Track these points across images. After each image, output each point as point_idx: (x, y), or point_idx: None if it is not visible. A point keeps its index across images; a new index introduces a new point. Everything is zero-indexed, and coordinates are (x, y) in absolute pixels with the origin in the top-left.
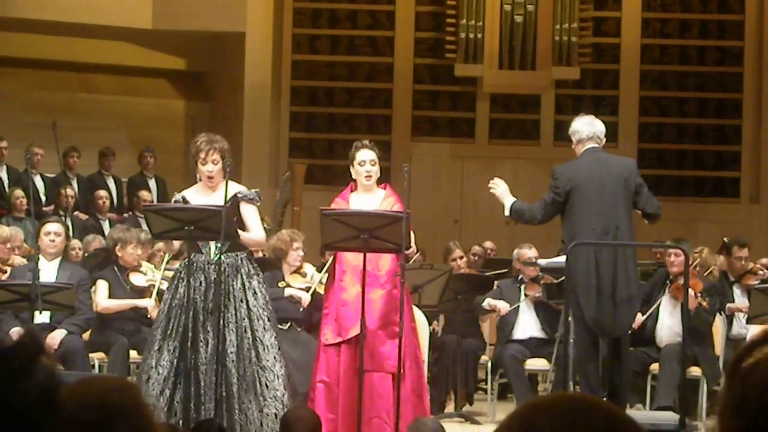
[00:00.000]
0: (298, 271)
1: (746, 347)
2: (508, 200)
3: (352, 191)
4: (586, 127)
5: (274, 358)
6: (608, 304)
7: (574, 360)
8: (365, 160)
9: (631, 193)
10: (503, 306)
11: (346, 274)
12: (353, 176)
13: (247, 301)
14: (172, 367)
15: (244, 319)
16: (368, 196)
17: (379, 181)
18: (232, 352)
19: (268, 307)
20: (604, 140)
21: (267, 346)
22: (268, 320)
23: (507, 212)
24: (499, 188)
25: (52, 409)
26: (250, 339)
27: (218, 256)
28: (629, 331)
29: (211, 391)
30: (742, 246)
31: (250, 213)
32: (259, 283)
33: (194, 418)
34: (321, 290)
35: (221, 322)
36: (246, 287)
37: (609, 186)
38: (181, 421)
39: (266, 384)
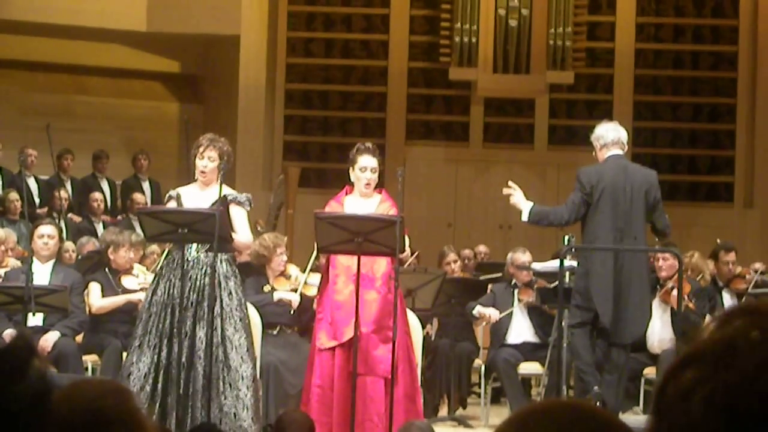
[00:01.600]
0: (282, 274)
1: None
2: (525, 205)
3: (347, 194)
4: (611, 133)
5: (242, 358)
6: (624, 310)
7: (587, 364)
8: (367, 167)
9: (650, 205)
10: (493, 314)
11: (340, 277)
12: (351, 179)
13: (222, 301)
14: (152, 364)
15: (216, 317)
16: (364, 200)
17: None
18: (200, 350)
19: (241, 308)
20: (627, 147)
21: (235, 347)
22: (240, 321)
23: (525, 217)
24: (516, 194)
25: (45, 413)
26: (219, 338)
27: (198, 255)
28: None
29: (175, 388)
30: (729, 250)
31: (238, 216)
32: (235, 284)
33: (169, 412)
34: (307, 291)
35: (195, 320)
36: (221, 287)
37: (631, 195)
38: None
39: (230, 383)
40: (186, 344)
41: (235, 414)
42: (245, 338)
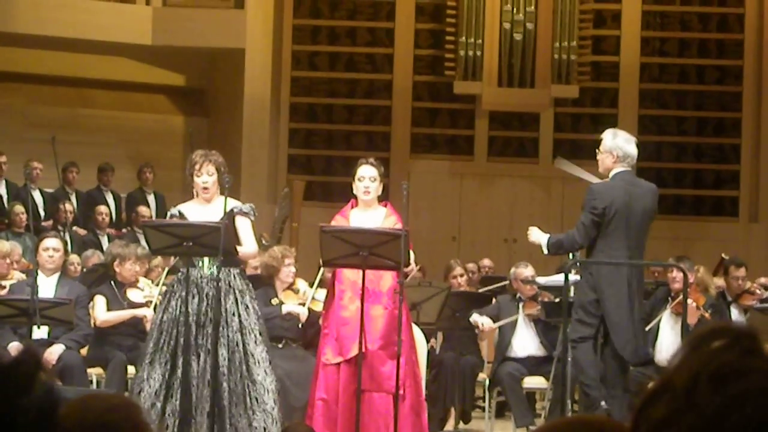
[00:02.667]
0: (290, 287)
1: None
2: (543, 239)
3: (352, 207)
4: (629, 147)
5: (265, 372)
6: (637, 330)
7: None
8: (364, 176)
9: (651, 221)
10: (487, 323)
11: (346, 293)
12: (354, 192)
13: (239, 316)
14: (163, 381)
15: (236, 333)
16: (369, 213)
17: (379, 199)
18: (223, 366)
19: (259, 322)
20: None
21: (258, 360)
22: (260, 334)
23: (545, 250)
24: (534, 233)
25: (51, 426)
26: (242, 353)
27: (212, 270)
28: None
29: (203, 405)
30: (739, 266)
31: (243, 226)
32: (251, 299)
33: (187, 430)
34: (314, 306)
35: (217, 336)
36: (239, 302)
37: (641, 216)
38: None
39: (256, 398)
40: (209, 362)
41: (264, 429)
42: (266, 351)
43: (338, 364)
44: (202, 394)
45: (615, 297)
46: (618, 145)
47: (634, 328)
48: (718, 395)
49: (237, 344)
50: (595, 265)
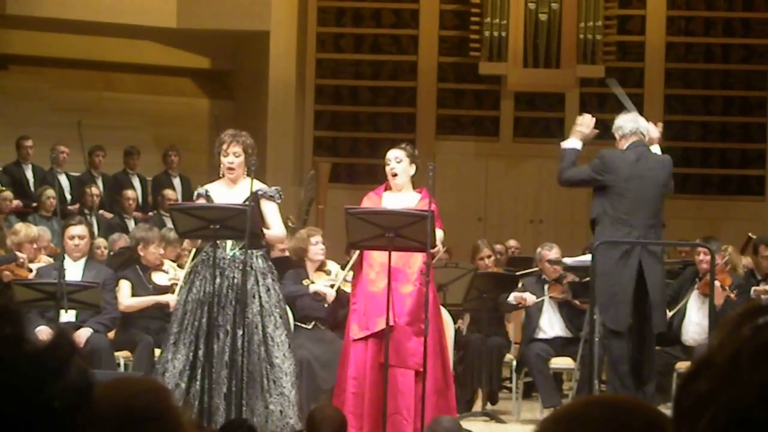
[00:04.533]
0: (321, 268)
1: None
2: (574, 143)
3: (385, 189)
4: (630, 123)
5: (284, 355)
6: (646, 306)
7: (619, 358)
8: (390, 158)
9: (667, 191)
10: (529, 297)
11: (374, 269)
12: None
13: (260, 298)
14: (187, 361)
15: (255, 315)
16: (401, 197)
17: (414, 185)
18: (242, 348)
19: (280, 305)
20: (647, 136)
21: (277, 344)
22: (280, 317)
23: (563, 144)
24: (581, 128)
25: (87, 409)
26: (261, 335)
27: (233, 252)
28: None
29: (220, 386)
30: None
31: (270, 210)
32: (273, 281)
33: (206, 411)
34: (345, 287)
35: (234, 318)
36: (259, 284)
37: (653, 188)
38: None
39: (273, 380)
40: (228, 342)
41: (281, 411)
42: (286, 334)
43: (366, 340)
44: (220, 376)
45: (624, 274)
46: (619, 125)
47: (640, 305)
48: (759, 371)
49: (256, 326)
50: (600, 232)
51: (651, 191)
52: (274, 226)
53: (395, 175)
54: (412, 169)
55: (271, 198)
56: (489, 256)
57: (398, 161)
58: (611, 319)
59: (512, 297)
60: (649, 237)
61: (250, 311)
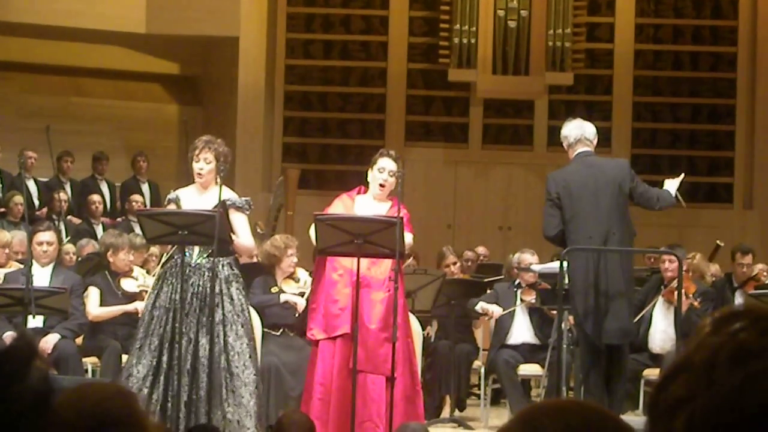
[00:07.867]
0: (291, 276)
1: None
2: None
3: (359, 194)
4: (574, 131)
5: (244, 364)
6: (605, 311)
7: (577, 367)
8: (385, 168)
9: (626, 197)
10: (496, 310)
11: (337, 273)
12: (368, 180)
13: (223, 307)
14: (151, 367)
15: (217, 324)
16: (375, 203)
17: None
18: (203, 356)
19: (244, 314)
20: (595, 142)
21: (237, 353)
22: (242, 326)
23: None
24: None
25: (47, 414)
26: (221, 344)
27: (199, 260)
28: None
29: (180, 394)
30: (745, 253)
31: (239, 221)
32: (237, 289)
33: (170, 417)
34: None
35: (198, 326)
36: (223, 292)
37: (603, 191)
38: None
39: (232, 390)
40: (190, 350)
41: (238, 421)
42: (247, 344)
43: (334, 345)
44: (181, 383)
45: (581, 278)
46: (564, 134)
47: (599, 310)
48: (736, 374)
49: (218, 335)
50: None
51: (604, 203)
52: (242, 237)
53: (383, 186)
54: (394, 183)
55: (240, 209)
56: (455, 263)
57: (391, 175)
58: (593, 330)
59: (479, 306)
60: (612, 245)
61: (213, 320)
